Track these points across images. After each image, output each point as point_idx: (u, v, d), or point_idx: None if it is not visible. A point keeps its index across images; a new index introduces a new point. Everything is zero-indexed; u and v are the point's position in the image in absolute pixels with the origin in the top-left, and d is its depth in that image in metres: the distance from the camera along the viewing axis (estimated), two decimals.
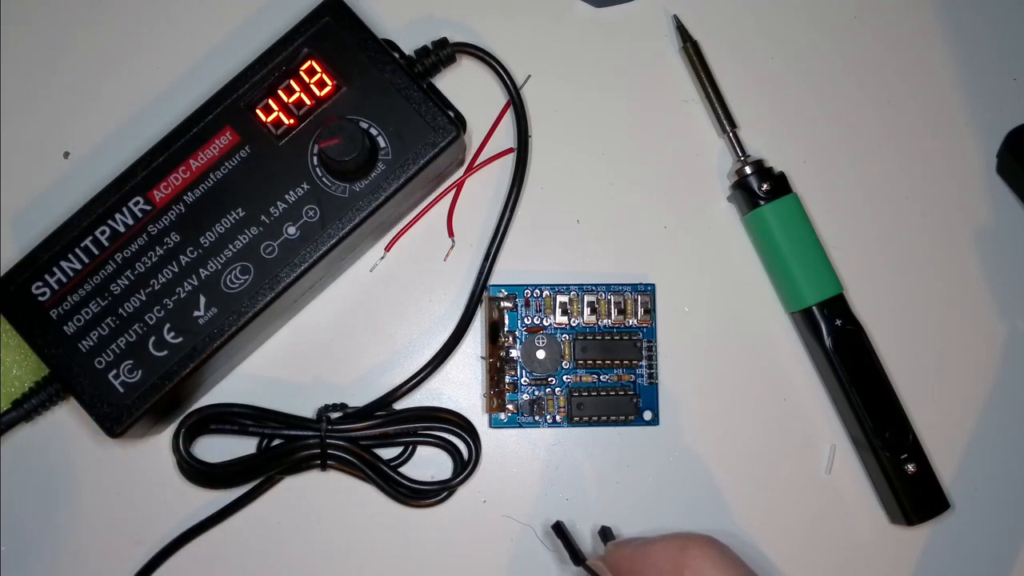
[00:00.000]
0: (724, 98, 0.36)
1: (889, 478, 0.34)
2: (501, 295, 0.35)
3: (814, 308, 0.34)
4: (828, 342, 0.34)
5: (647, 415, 0.35)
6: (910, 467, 0.34)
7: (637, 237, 0.36)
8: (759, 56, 0.37)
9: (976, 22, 0.38)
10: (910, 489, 0.34)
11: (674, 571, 0.27)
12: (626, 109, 0.37)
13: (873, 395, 0.34)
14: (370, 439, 0.33)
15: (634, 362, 0.35)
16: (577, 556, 0.31)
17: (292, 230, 0.31)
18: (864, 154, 0.37)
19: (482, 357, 0.35)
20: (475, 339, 0.35)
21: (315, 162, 0.31)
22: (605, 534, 0.33)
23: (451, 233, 0.35)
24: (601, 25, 0.37)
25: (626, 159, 0.37)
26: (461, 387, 0.35)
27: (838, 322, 0.34)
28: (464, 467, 0.33)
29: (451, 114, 0.32)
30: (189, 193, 0.31)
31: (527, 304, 0.35)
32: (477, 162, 0.35)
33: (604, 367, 0.35)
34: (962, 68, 0.38)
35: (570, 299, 0.35)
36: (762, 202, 0.34)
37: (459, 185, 0.35)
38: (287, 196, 0.31)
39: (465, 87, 0.36)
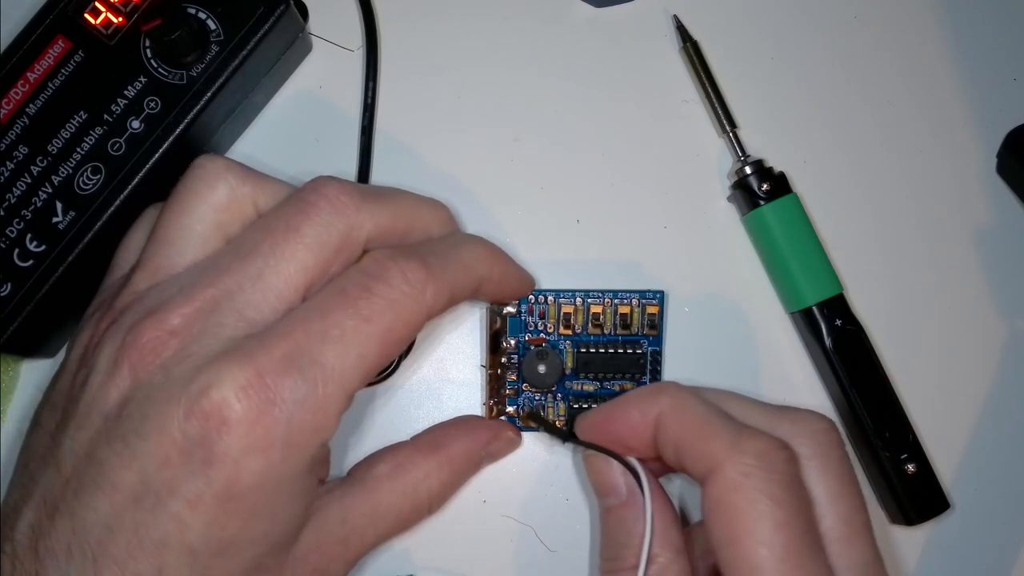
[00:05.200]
0: (724, 98, 0.36)
1: (889, 478, 0.34)
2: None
3: (814, 308, 0.34)
4: (828, 342, 0.34)
5: None
6: (910, 467, 0.34)
7: (637, 237, 0.36)
8: (759, 56, 0.37)
9: (976, 22, 0.38)
10: (910, 489, 0.34)
11: (654, 410, 0.28)
12: (626, 109, 0.37)
13: (873, 395, 0.34)
14: None
15: (638, 375, 0.34)
16: (564, 433, 0.32)
17: (136, 124, 0.32)
18: (864, 154, 0.37)
19: (482, 366, 0.35)
20: (475, 346, 0.35)
21: (149, 55, 0.32)
22: (536, 417, 0.34)
23: None
24: (601, 25, 0.37)
25: (626, 159, 0.37)
26: (462, 387, 0.35)
27: (838, 322, 0.34)
28: None
29: None
30: (31, 105, 0.32)
31: (530, 312, 0.34)
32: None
33: (607, 377, 0.34)
34: (962, 68, 0.38)
35: (574, 309, 0.34)
36: (762, 202, 0.34)
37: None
38: (126, 92, 0.32)
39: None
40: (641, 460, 0.29)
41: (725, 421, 0.26)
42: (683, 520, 0.33)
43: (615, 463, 0.29)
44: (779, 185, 0.35)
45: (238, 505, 0.24)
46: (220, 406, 0.24)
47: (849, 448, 0.35)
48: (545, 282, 0.35)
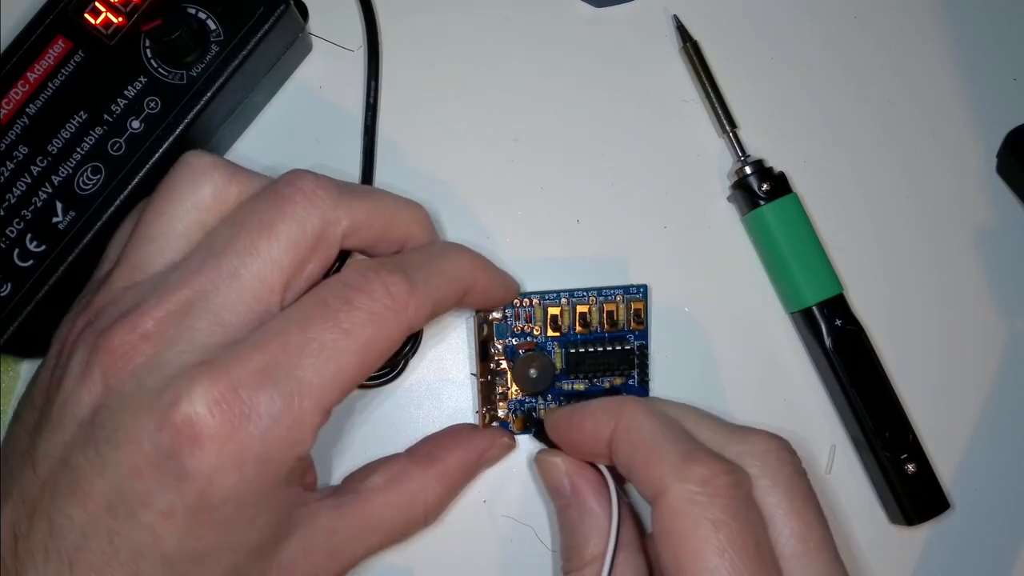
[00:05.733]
0: (724, 98, 0.36)
1: (889, 478, 0.34)
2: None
3: (814, 308, 0.34)
4: (828, 342, 0.34)
5: None
6: (910, 467, 0.34)
7: (637, 237, 0.36)
8: (759, 56, 0.37)
9: (976, 22, 0.38)
10: (910, 489, 0.34)
11: (609, 424, 0.28)
12: (626, 109, 0.37)
13: (873, 395, 0.34)
14: None
15: (627, 370, 0.34)
16: (533, 429, 0.33)
17: (136, 124, 0.32)
18: (864, 154, 0.37)
19: (472, 374, 0.35)
20: (465, 354, 0.35)
21: (149, 55, 0.32)
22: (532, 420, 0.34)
23: None
24: (601, 25, 0.37)
25: (626, 159, 0.37)
26: (462, 387, 0.35)
27: (838, 322, 0.34)
28: (411, 338, 0.33)
29: None
30: (31, 105, 0.32)
31: (516, 316, 0.34)
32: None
33: (597, 374, 0.34)
34: (962, 68, 0.38)
35: (560, 311, 0.34)
36: (762, 202, 0.34)
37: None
38: (126, 92, 0.32)
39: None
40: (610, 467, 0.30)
41: (672, 444, 0.26)
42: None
43: (560, 464, 0.30)
44: (779, 185, 0.35)
45: (212, 517, 0.24)
46: (192, 420, 0.23)
47: (848, 450, 0.35)
48: (545, 282, 0.35)
